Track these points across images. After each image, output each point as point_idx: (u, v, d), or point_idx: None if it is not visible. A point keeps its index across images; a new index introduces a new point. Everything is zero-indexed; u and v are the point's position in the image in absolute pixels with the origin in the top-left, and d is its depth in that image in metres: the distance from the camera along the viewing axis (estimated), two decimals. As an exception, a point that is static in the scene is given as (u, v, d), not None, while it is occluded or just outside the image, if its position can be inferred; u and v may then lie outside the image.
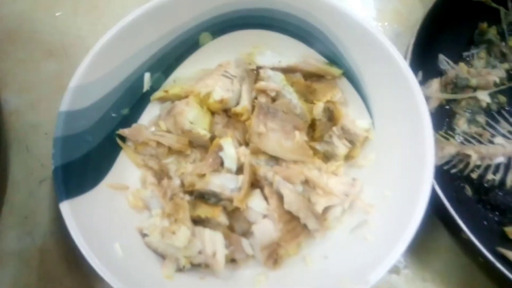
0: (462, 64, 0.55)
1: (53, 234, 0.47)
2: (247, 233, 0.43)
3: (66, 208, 0.37)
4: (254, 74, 0.50)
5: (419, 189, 0.38)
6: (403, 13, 0.60)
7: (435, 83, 0.53)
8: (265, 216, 0.41)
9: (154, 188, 0.44)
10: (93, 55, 0.42)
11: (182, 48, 0.49)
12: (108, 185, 0.42)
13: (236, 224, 0.43)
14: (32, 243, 0.47)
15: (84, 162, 0.41)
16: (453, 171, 0.48)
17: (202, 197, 0.43)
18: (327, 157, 0.47)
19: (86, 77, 0.42)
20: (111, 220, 0.40)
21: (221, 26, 0.49)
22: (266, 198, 0.42)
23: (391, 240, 0.37)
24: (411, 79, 0.42)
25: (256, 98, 0.49)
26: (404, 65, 0.43)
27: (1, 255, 0.47)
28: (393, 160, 0.43)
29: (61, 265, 0.46)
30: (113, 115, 0.45)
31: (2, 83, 0.54)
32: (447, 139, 0.50)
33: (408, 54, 0.47)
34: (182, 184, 0.45)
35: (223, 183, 0.42)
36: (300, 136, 0.43)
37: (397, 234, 0.37)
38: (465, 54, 0.56)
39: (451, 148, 0.48)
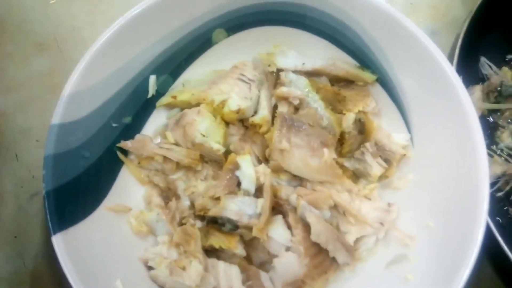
0: (505, 69, 0.49)
1: (46, 256, 0.42)
2: (265, 264, 0.38)
3: (60, 242, 0.32)
4: (274, 77, 0.44)
5: (473, 221, 0.33)
6: (440, 9, 0.53)
7: (477, 91, 0.47)
8: (288, 248, 0.36)
9: (160, 210, 0.38)
10: (90, 56, 0.36)
11: (193, 47, 0.43)
12: (108, 209, 0.37)
13: (253, 253, 0.38)
14: (22, 266, 0.42)
15: (81, 183, 0.35)
16: (499, 194, 0.43)
17: (214, 221, 0.38)
18: (357, 176, 0.41)
19: (83, 83, 0.36)
20: (111, 251, 0.35)
21: (238, 22, 0.43)
22: (289, 227, 0.37)
23: (438, 284, 0.32)
24: (459, 87, 0.37)
25: (275, 106, 0.43)
26: (451, 71, 0.37)
27: (-13, 278, 0.42)
28: (436, 183, 0.37)
29: (54, 293, 0.41)
30: (114, 125, 0.39)
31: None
32: (491, 156, 0.44)
33: (454, 58, 0.41)
34: (192, 206, 0.39)
35: (241, 208, 0.36)
36: (329, 154, 0.38)
37: (447, 277, 0.31)
38: (509, 57, 0.50)
39: (496, 168, 0.43)
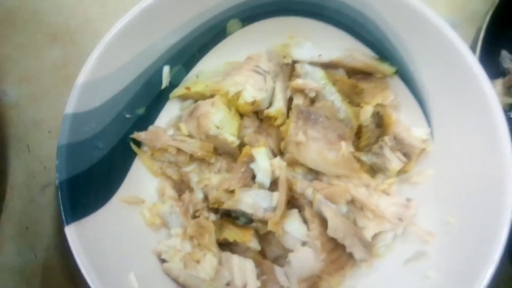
0: (527, 62, 0.47)
1: (57, 248, 0.42)
2: (280, 259, 0.37)
3: (73, 232, 0.31)
4: (289, 69, 0.43)
5: (496, 218, 0.31)
6: (458, 2, 0.52)
7: (498, 85, 0.45)
8: (304, 243, 0.35)
9: (173, 202, 0.37)
10: (105, 45, 0.35)
11: (207, 37, 0.42)
12: (121, 200, 0.36)
13: (267, 248, 0.37)
14: (33, 258, 0.42)
15: (94, 174, 0.35)
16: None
17: (228, 214, 0.37)
18: (374, 170, 0.40)
19: (97, 72, 0.35)
20: (124, 243, 0.34)
21: (253, 12, 0.42)
22: (305, 221, 0.36)
23: (460, 282, 0.31)
24: (484, 81, 0.35)
25: (291, 98, 0.42)
26: (475, 64, 0.36)
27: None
28: (457, 178, 0.36)
29: (66, 285, 0.41)
30: (127, 116, 0.39)
31: (0, 72, 0.48)
32: None
33: (477, 51, 0.39)
34: (206, 198, 0.39)
35: (256, 202, 0.35)
36: (346, 147, 0.37)
37: (469, 276, 0.30)
38: (530, 50, 0.48)
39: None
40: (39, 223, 0.43)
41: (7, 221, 0.43)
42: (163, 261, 0.35)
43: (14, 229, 0.42)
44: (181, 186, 0.40)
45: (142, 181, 0.39)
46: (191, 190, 0.39)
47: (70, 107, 0.34)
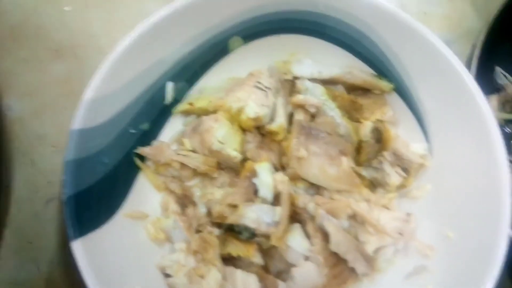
0: (521, 79, 0.49)
1: (61, 262, 0.42)
2: (282, 273, 0.38)
3: (79, 248, 0.31)
4: (290, 85, 0.44)
5: (495, 233, 0.32)
6: (453, 19, 0.53)
7: (493, 101, 0.47)
8: (307, 258, 0.36)
9: (177, 217, 0.38)
10: (111, 62, 0.36)
11: (210, 54, 0.43)
12: (126, 215, 0.37)
13: (270, 262, 0.38)
14: (36, 272, 0.42)
15: (100, 189, 0.35)
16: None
17: (231, 229, 0.38)
18: (374, 185, 0.41)
19: (103, 89, 0.36)
20: (129, 257, 0.35)
21: (254, 29, 0.43)
22: (307, 235, 0.36)
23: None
24: (479, 97, 0.37)
25: (291, 113, 0.43)
26: (470, 81, 0.37)
27: (2, 283, 0.41)
28: (455, 193, 0.37)
29: (69, 299, 0.41)
30: (132, 131, 0.39)
31: (3, 86, 0.48)
32: (509, 166, 0.44)
33: (473, 68, 0.41)
34: (209, 213, 0.39)
35: (259, 216, 0.36)
36: (347, 163, 0.38)
37: (469, 289, 0.31)
38: (524, 67, 0.50)
39: (513, 177, 0.42)
40: (42, 238, 0.43)
41: (11, 235, 0.43)
42: (167, 275, 0.36)
43: (17, 243, 0.42)
44: (184, 201, 0.40)
45: (146, 196, 0.39)
46: (194, 204, 0.39)
47: (77, 123, 0.34)
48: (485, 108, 0.36)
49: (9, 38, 0.50)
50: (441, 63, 0.38)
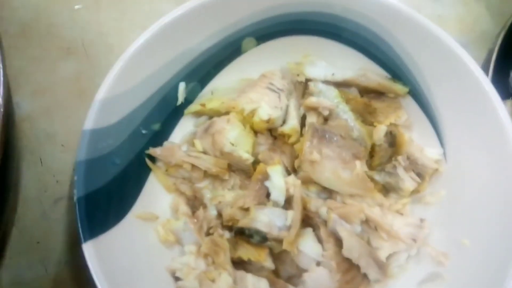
0: (536, 84, 0.48)
1: (68, 263, 0.41)
2: (293, 278, 0.37)
3: (90, 250, 0.31)
4: (302, 87, 0.44)
5: (510, 242, 0.32)
6: (467, 22, 0.53)
7: (507, 106, 0.46)
8: (319, 263, 0.35)
9: (187, 219, 0.37)
10: (123, 62, 0.36)
11: (223, 55, 0.42)
12: (136, 216, 0.36)
13: (281, 267, 0.37)
14: (44, 273, 0.41)
15: (111, 190, 0.35)
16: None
17: (242, 232, 0.37)
18: (387, 190, 0.40)
19: (115, 89, 0.36)
20: (140, 260, 0.34)
21: (268, 31, 0.43)
22: (319, 240, 0.36)
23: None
24: (497, 102, 0.36)
25: (304, 115, 0.42)
26: (488, 86, 0.37)
27: (10, 283, 0.41)
28: (470, 199, 0.36)
29: (77, 301, 0.40)
30: (143, 131, 0.39)
31: (13, 84, 0.48)
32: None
33: (490, 73, 0.40)
34: (219, 215, 0.39)
35: (271, 220, 0.35)
36: (360, 167, 0.37)
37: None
38: (539, 71, 0.49)
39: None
40: (50, 238, 0.42)
41: (19, 235, 0.42)
42: (177, 279, 0.35)
43: (25, 243, 0.42)
44: (195, 203, 0.40)
45: (156, 197, 0.39)
46: (204, 206, 0.39)
47: (89, 123, 0.34)
48: (503, 114, 0.36)
49: (20, 36, 0.50)
50: (458, 66, 0.38)
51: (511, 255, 0.32)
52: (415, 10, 0.52)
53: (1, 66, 0.32)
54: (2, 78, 0.32)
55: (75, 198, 0.32)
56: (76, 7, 0.53)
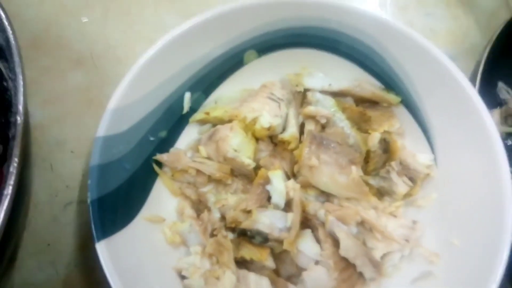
0: (522, 94, 0.51)
1: (78, 265, 0.43)
2: (292, 277, 0.39)
3: (103, 249, 0.33)
4: (301, 97, 0.46)
5: (498, 241, 0.34)
6: (458, 35, 0.56)
7: (495, 115, 0.49)
8: (317, 262, 0.37)
9: (193, 221, 0.40)
10: (133, 74, 0.38)
11: (226, 66, 0.45)
12: (145, 218, 0.38)
13: (281, 266, 0.39)
14: (54, 274, 0.43)
15: (122, 193, 0.37)
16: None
17: (244, 234, 0.39)
18: (381, 193, 0.42)
19: (125, 98, 0.38)
20: (148, 259, 0.36)
21: (269, 44, 0.45)
22: (318, 241, 0.38)
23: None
24: (483, 111, 0.38)
25: (302, 123, 0.45)
26: (474, 95, 0.39)
27: (21, 284, 0.43)
28: (459, 202, 0.39)
29: (86, 300, 0.42)
30: (151, 138, 0.41)
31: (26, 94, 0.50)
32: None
33: (477, 84, 0.43)
34: (222, 218, 0.41)
35: (272, 222, 0.37)
36: (356, 172, 0.39)
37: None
38: (525, 82, 0.52)
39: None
40: (60, 240, 0.44)
41: (30, 238, 0.44)
42: (183, 277, 0.37)
43: (36, 246, 0.44)
44: (199, 206, 0.42)
45: (163, 201, 0.41)
46: (208, 209, 0.41)
47: (101, 130, 0.36)
48: (489, 122, 0.38)
49: (31, 47, 0.53)
50: (447, 78, 0.40)
51: (498, 253, 0.34)
52: (408, 24, 0.56)
53: (21, 76, 0.34)
54: (22, 88, 0.34)
55: (88, 200, 0.34)
56: (84, 20, 0.55)
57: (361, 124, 0.44)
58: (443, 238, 0.38)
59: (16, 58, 0.35)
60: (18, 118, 0.34)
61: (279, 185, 0.39)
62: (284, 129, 0.44)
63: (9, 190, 0.31)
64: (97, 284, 0.42)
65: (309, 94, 0.45)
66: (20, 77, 0.34)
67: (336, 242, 0.37)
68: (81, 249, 0.43)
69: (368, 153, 0.43)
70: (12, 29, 0.36)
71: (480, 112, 0.38)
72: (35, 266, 0.43)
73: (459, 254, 0.36)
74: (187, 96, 0.43)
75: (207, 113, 0.44)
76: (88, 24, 0.54)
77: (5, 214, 0.30)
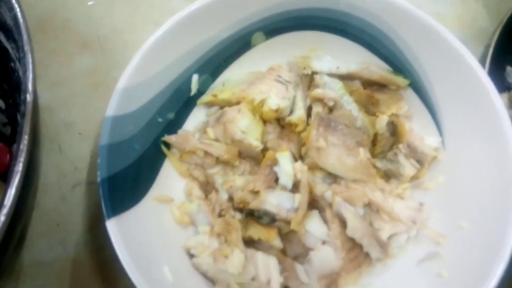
0: (531, 78, 0.50)
1: (87, 244, 0.44)
2: (299, 257, 0.39)
3: (113, 226, 0.33)
4: (308, 79, 0.46)
5: (504, 222, 0.34)
6: (466, 19, 0.55)
7: (503, 99, 0.48)
8: (324, 242, 0.37)
9: (201, 202, 0.40)
10: (142, 54, 0.38)
11: (233, 48, 0.45)
12: (154, 198, 0.39)
13: (288, 246, 0.39)
14: (64, 253, 0.43)
15: (131, 173, 0.37)
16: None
17: (252, 214, 0.40)
18: (388, 176, 0.43)
19: (134, 79, 0.38)
20: (157, 238, 0.37)
21: (276, 26, 0.45)
22: (325, 221, 0.38)
23: (472, 280, 0.33)
24: (493, 94, 0.38)
25: (310, 106, 0.45)
26: (485, 78, 0.39)
27: (31, 263, 0.43)
28: (466, 185, 0.39)
29: (95, 280, 0.42)
30: (160, 120, 0.41)
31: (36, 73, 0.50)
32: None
33: (486, 68, 0.42)
34: (230, 199, 0.41)
35: (280, 202, 0.38)
36: (364, 154, 0.39)
37: (480, 274, 0.33)
38: (534, 67, 0.51)
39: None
40: (69, 220, 0.45)
41: (39, 218, 0.45)
42: (191, 256, 0.38)
43: (45, 226, 0.44)
44: (207, 187, 0.42)
45: (171, 181, 0.41)
46: (216, 191, 0.41)
47: (111, 110, 0.36)
48: (499, 105, 0.38)
49: (37, 30, 0.53)
50: (457, 60, 0.40)
51: (504, 236, 0.34)
52: (416, 7, 0.55)
53: (30, 55, 0.34)
54: (31, 66, 0.34)
55: (98, 179, 0.35)
56: (90, 3, 0.55)
57: (369, 107, 0.44)
58: (450, 220, 0.38)
59: (24, 36, 0.35)
60: (28, 96, 0.34)
61: (286, 166, 0.39)
62: (291, 112, 0.44)
63: (19, 167, 0.31)
64: (105, 263, 0.42)
65: (316, 77, 0.45)
66: (29, 55, 0.34)
67: (343, 223, 0.38)
68: (90, 229, 0.44)
69: (375, 135, 0.43)
70: (20, 6, 0.36)
71: (490, 95, 0.38)
72: (44, 246, 0.44)
73: (466, 236, 0.36)
74: (195, 78, 0.43)
75: (215, 95, 0.44)
76: (94, 7, 0.54)
77: (16, 191, 0.31)
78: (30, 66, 0.34)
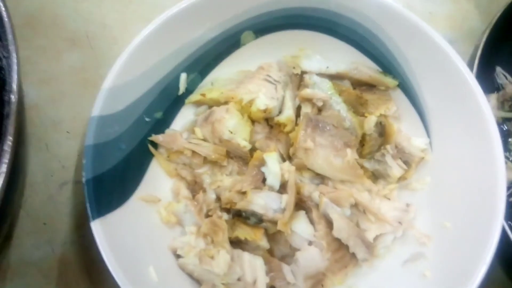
0: (520, 79, 0.51)
1: (74, 243, 0.43)
2: (286, 258, 0.39)
3: (98, 227, 0.33)
4: (298, 79, 0.46)
5: (489, 224, 0.34)
6: (457, 19, 0.55)
7: (492, 99, 0.49)
8: (310, 243, 0.38)
9: (188, 202, 0.40)
10: (129, 53, 0.38)
11: (222, 47, 0.45)
12: (140, 198, 0.38)
13: (275, 247, 0.39)
14: (51, 253, 0.43)
15: (117, 173, 0.37)
16: (511, 199, 0.44)
17: (239, 215, 0.40)
18: (376, 177, 0.43)
19: (121, 78, 0.38)
20: (143, 239, 0.37)
21: (266, 24, 0.45)
22: (312, 222, 0.38)
23: (455, 281, 0.33)
24: (480, 95, 0.38)
25: (299, 106, 0.44)
26: (471, 80, 0.39)
27: (18, 262, 0.43)
28: (453, 186, 0.39)
29: (82, 279, 0.42)
30: (147, 119, 0.41)
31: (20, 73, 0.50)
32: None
33: (475, 68, 0.42)
34: (218, 199, 0.41)
35: (267, 203, 0.38)
36: (351, 155, 0.39)
37: (463, 275, 0.33)
38: (523, 67, 0.52)
39: (509, 174, 0.44)
40: (56, 219, 0.44)
41: (26, 217, 0.44)
42: (178, 256, 0.37)
43: (32, 225, 0.44)
44: (194, 187, 0.42)
45: (159, 181, 0.41)
46: (204, 191, 0.41)
47: (96, 110, 0.36)
48: (485, 107, 0.38)
49: (25, 26, 0.52)
50: (445, 61, 0.40)
51: (489, 237, 0.34)
52: (407, 7, 0.55)
53: (15, 54, 0.34)
54: (16, 66, 0.34)
55: (83, 179, 0.34)
56: (79, -1, 0.54)
57: (358, 107, 0.44)
58: (436, 221, 0.38)
59: (9, 36, 0.35)
60: (12, 97, 0.34)
61: (274, 167, 0.39)
62: (280, 112, 0.44)
63: (3, 168, 0.31)
64: (93, 263, 0.42)
65: (306, 76, 0.45)
66: (13, 55, 0.34)
67: (329, 224, 0.38)
68: (77, 228, 0.44)
69: (363, 136, 0.43)
70: (5, 5, 0.36)
71: (477, 97, 0.38)
72: (31, 245, 0.44)
73: (451, 236, 0.37)
74: (183, 77, 0.43)
75: (203, 95, 0.43)
76: (83, 3, 0.54)
77: (0, 192, 0.31)
78: (15, 67, 0.34)
